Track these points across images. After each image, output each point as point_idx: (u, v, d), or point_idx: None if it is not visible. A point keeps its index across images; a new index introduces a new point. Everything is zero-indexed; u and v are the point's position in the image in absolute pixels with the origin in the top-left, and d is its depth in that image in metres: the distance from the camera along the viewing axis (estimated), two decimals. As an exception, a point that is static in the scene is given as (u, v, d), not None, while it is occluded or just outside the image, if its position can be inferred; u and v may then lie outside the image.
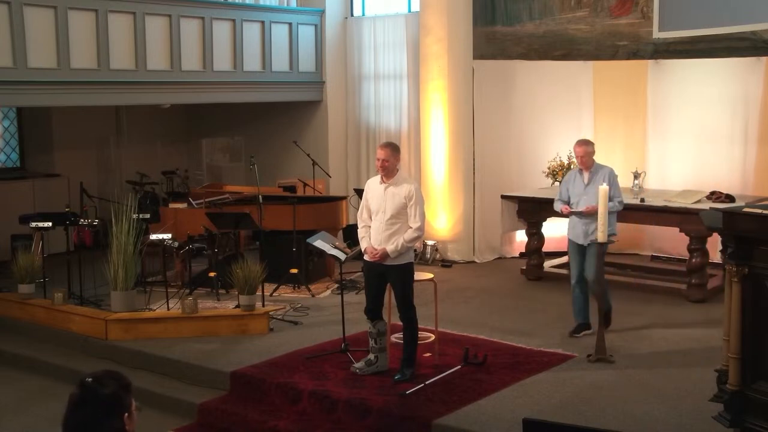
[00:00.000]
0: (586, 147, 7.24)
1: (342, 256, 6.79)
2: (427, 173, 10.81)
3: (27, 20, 9.08)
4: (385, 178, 6.21)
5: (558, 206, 7.44)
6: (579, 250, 7.22)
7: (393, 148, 6.25)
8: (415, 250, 6.50)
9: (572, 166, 9.24)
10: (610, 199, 6.77)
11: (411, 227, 6.13)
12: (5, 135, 12.46)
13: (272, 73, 11.68)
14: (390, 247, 6.10)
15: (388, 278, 6.27)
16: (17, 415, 6.74)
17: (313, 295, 9.06)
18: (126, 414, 2.72)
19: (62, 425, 2.70)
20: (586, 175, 7.24)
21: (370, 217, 6.31)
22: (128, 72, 10.08)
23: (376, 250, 6.15)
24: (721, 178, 9.36)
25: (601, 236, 6.55)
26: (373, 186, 6.32)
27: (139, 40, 10.09)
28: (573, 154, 9.37)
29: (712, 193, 8.59)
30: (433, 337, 7.05)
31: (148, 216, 8.77)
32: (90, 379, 2.72)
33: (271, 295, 8.86)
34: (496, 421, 5.50)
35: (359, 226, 6.41)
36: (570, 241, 7.34)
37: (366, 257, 6.30)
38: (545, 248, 9.68)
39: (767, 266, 4.49)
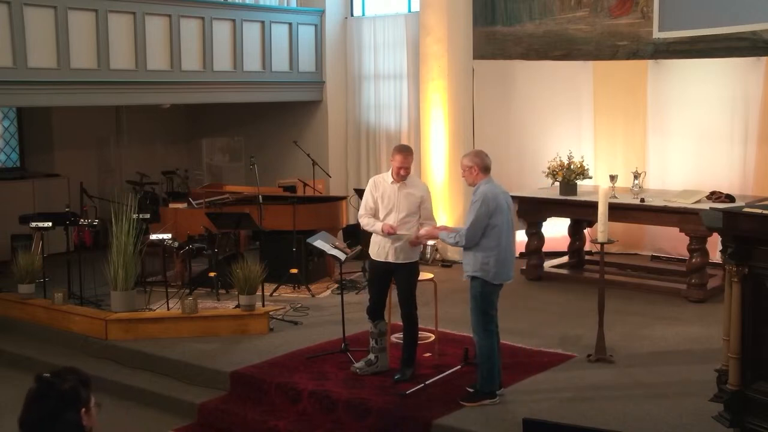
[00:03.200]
0: (463, 160, 5.96)
1: (342, 256, 6.79)
2: (427, 173, 10.80)
3: (27, 20, 9.08)
4: (402, 179, 6.23)
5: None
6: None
7: (412, 154, 6.26)
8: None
9: (572, 166, 9.24)
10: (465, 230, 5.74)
11: (433, 224, 6.27)
12: (5, 135, 12.45)
13: (272, 73, 11.67)
14: (443, 234, 6.05)
15: (395, 276, 6.29)
16: (17, 415, 6.73)
17: (313, 295, 9.06)
18: (84, 409, 2.70)
19: (19, 421, 2.69)
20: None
21: (375, 213, 6.31)
22: (128, 72, 10.08)
23: (433, 228, 6.14)
24: (721, 178, 9.35)
25: (601, 236, 6.54)
26: (384, 185, 6.30)
27: (139, 40, 10.09)
28: (573, 155, 9.42)
29: (712, 193, 8.58)
30: (433, 337, 7.05)
31: (148, 216, 8.77)
32: (48, 375, 2.71)
33: (271, 295, 8.86)
34: (496, 421, 5.50)
35: (363, 215, 6.33)
36: None
37: (386, 231, 6.16)
38: (545, 248, 9.67)
39: (767, 266, 4.49)
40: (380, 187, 6.32)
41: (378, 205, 6.30)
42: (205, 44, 10.82)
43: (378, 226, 6.21)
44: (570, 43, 10.19)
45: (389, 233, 6.15)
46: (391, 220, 6.20)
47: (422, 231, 6.14)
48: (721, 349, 4.99)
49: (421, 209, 6.24)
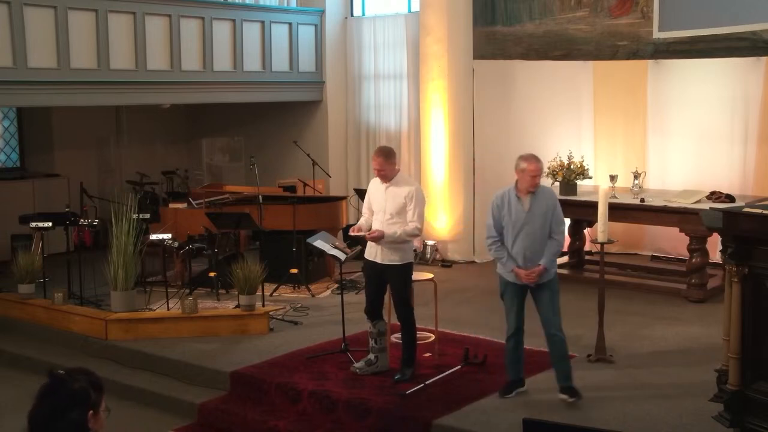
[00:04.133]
0: (540, 164, 5.74)
1: (342, 256, 6.79)
2: (427, 173, 10.81)
3: (27, 20, 9.08)
4: (384, 180, 6.24)
5: (495, 251, 5.84)
6: (520, 293, 5.81)
7: (386, 155, 6.21)
8: (414, 250, 6.53)
9: (572, 166, 9.23)
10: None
11: (410, 224, 6.19)
12: (5, 135, 12.45)
13: (272, 73, 11.67)
14: (388, 231, 6.12)
15: (387, 278, 6.28)
16: (17, 415, 6.71)
17: (313, 295, 9.06)
18: (91, 411, 2.70)
19: (28, 415, 2.70)
20: (526, 200, 5.73)
21: (371, 216, 6.37)
22: (128, 72, 10.08)
23: (373, 231, 6.20)
24: (721, 178, 9.35)
25: (601, 236, 6.54)
26: (375, 186, 6.38)
27: (139, 40, 10.09)
28: (573, 155, 9.42)
29: (712, 193, 8.59)
30: (433, 337, 7.05)
31: (148, 216, 8.77)
32: (62, 371, 2.72)
33: (271, 295, 8.86)
34: (496, 421, 5.50)
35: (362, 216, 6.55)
36: (508, 285, 5.85)
37: (351, 233, 6.46)
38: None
39: (767, 266, 4.49)
40: (372, 189, 6.41)
41: (373, 207, 6.38)
42: (205, 44, 10.82)
43: (361, 221, 6.43)
44: (570, 43, 10.18)
45: (351, 234, 6.38)
46: (379, 220, 6.23)
47: (523, 273, 5.70)
48: (721, 349, 4.99)
49: (407, 210, 6.19)
